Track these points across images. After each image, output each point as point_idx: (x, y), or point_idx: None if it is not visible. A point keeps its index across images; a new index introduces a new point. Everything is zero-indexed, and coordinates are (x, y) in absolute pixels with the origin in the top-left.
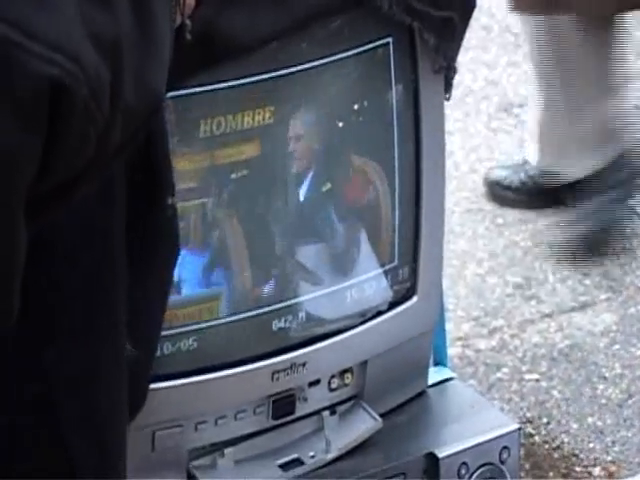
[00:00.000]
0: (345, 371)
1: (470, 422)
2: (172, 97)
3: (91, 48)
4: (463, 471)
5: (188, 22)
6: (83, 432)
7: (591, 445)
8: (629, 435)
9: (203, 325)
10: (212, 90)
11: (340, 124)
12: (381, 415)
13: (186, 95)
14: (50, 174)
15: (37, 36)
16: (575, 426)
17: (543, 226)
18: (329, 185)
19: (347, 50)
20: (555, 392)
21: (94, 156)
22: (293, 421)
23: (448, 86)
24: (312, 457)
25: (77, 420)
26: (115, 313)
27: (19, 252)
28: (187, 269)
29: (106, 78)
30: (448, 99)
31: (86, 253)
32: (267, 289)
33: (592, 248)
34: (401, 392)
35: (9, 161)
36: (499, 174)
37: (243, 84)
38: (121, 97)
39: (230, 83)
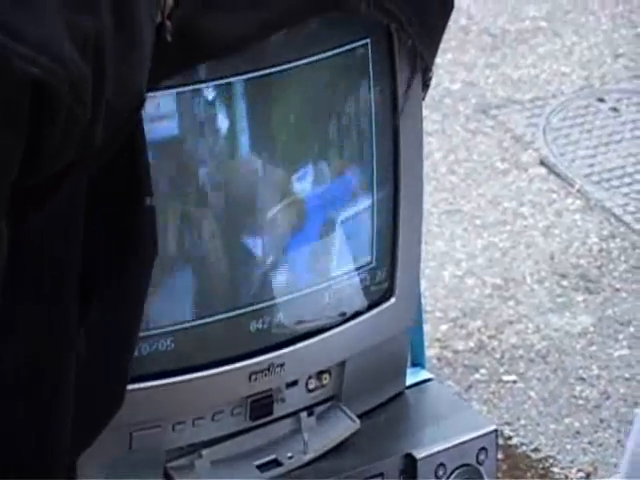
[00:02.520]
0: (323, 372)
1: (448, 423)
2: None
3: (73, 48)
4: (441, 472)
5: (169, 23)
6: (24, 429)
7: (568, 446)
8: (606, 436)
9: (180, 326)
10: (190, 91)
11: (317, 125)
12: (359, 416)
13: (164, 95)
14: (33, 172)
15: (20, 37)
16: (552, 427)
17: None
18: (306, 186)
19: (325, 51)
20: (532, 393)
21: (77, 155)
22: (271, 422)
23: (424, 87)
24: (290, 458)
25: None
26: (65, 309)
27: (1, 249)
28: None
29: (88, 77)
30: (423, 99)
31: (43, 247)
32: (244, 290)
33: None
34: (379, 393)
35: None
36: None
37: (220, 85)
38: (103, 96)
39: (208, 84)
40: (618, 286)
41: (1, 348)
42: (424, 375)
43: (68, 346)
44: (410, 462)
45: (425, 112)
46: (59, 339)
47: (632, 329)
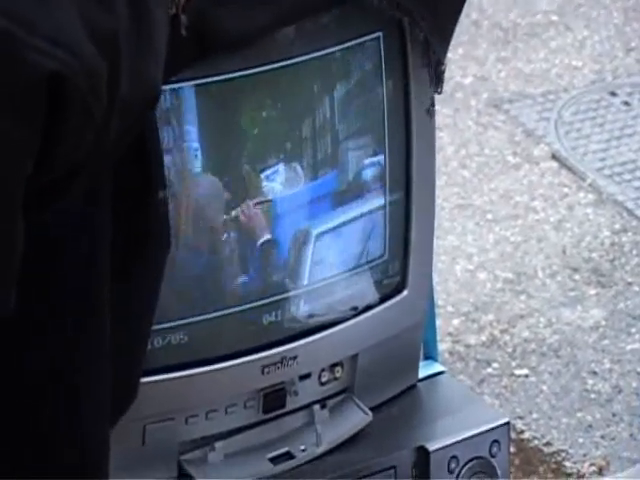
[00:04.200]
0: (335, 365)
1: (460, 416)
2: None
3: (89, 42)
4: (453, 465)
5: (184, 18)
6: (65, 432)
7: (581, 440)
8: (618, 430)
9: (194, 319)
10: (203, 84)
11: (330, 119)
12: (372, 409)
13: (178, 89)
14: (49, 166)
15: (37, 30)
16: (565, 421)
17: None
18: (318, 179)
19: (337, 44)
20: (545, 387)
21: (93, 148)
22: (284, 415)
23: (438, 81)
24: (303, 451)
25: (59, 419)
26: (98, 310)
27: (18, 243)
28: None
29: (103, 71)
30: (439, 92)
31: (69, 249)
32: (257, 283)
33: None
34: (391, 386)
35: (8, 153)
36: None
37: (232, 78)
38: (118, 90)
39: (220, 77)
40: (630, 280)
41: (25, 348)
42: (436, 368)
43: (99, 344)
44: (423, 455)
45: (437, 106)
46: (90, 338)
47: None
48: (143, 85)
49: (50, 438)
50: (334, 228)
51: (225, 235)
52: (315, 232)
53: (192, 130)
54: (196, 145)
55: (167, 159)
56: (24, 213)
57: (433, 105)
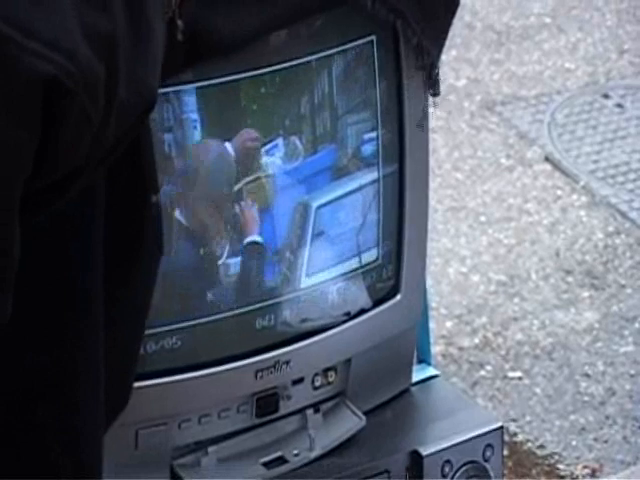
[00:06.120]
0: (329, 369)
1: (454, 420)
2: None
3: (86, 46)
4: (447, 469)
5: (180, 23)
6: (60, 434)
7: (574, 443)
8: (612, 432)
9: (187, 323)
10: (197, 87)
11: (323, 122)
12: (365, 413)
13: (171, 92)
14: (46, 170)
15: (34, 34)
16: (558, 424)
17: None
18: (313, 182)
19: (330, 48)
20: (538, 390)
21: (90, 152)
22: (277, 419)
23: (432, 84)
24: (296, 455)
25: (54, 421)
26: (92, 313)
27: (13, 247)
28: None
29: (101, 75)
30: (437, 95)
31: (65, 253)
32: (250, 287)
33: None
34: (385, 390)
35: (4, 157)
36: None
37: (226, 82)
38: (116, 94)
39: (213, 81)
40: (623, 282)
41: (25, 348)
42: (430, 372)
43: (93, 346)
44: (416, 459)
45: (430, 109)
46: (85, 340)
47: (637, 325)
48: (141, 89)
49: (50, 438)
50: (334, 201)
51: (218, 237)
52: (315, 204)
53: (191, 102)
54: (195, 117)
55: (167, 136)
56: (21, 216)
57: (427, 108)
